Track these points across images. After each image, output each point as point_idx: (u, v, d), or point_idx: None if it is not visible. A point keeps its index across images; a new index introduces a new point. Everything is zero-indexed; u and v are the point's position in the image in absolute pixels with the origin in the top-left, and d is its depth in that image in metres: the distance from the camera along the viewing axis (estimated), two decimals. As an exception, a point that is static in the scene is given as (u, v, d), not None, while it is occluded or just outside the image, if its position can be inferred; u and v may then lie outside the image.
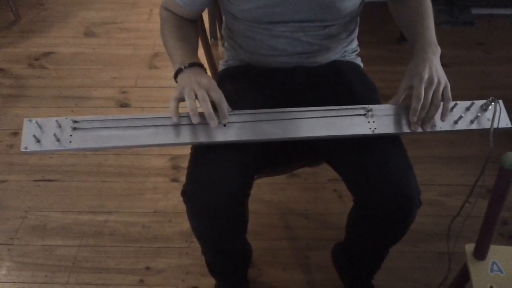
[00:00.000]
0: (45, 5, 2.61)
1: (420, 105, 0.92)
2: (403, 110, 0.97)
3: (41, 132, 0.91)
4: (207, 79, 0.95)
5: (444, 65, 0.97)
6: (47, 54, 2.28)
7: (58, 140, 0.91)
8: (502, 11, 2.34)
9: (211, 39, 2.26)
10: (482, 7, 2.32)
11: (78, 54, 2.29)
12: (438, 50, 0.99)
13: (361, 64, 1.24)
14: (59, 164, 1.78)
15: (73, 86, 2.11)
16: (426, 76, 0.93)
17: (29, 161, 1.79)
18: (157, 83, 2.13)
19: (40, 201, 1.67)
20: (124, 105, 2.02)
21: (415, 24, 1.04)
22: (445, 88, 0.94)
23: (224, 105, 0.93)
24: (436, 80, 0.93)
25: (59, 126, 0.92)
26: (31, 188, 1.71)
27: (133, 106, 2.02)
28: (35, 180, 1.74)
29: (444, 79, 0.95)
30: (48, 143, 0.91)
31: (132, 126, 0.94)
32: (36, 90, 2.09)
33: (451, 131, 0.97)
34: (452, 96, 0.94)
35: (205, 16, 1.81)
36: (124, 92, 2.08)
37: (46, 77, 2.16)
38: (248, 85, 1.14)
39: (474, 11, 2.32)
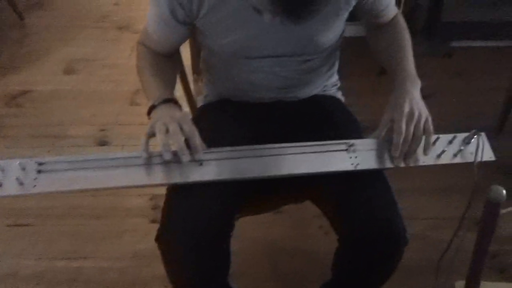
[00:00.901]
0: (24, 43, 2.58)
1: (402, 139, 0.90)
2: (385, 145, 0.95)
3: (3, 175, 0.86)
4: (181, 113, 0.92)
5: (424, 96, 0.97)
6: (24, 92, 2.23)
7: (21, 184, 0.85)
8: (480, 43, 2.37)
9: (194, 74, 2.24)
10: (461, 40, 2.35)
11: (57, 91, 2.24)
12: (418, 83, 0.98)
13: (342, 98, 1.23)
14: (32, 207, 1.71)
15: (50, 124, 2.05)
16: (406, 109, 0.92)
17: (0, 205, 1.71)
18: (138, 120, 2.08)
19: (12, 247, 1.59)
20: (103, 143, 1.97)
21: (395, 56, 1.04)
22: (426, 121, 0.93)
23: (196, 139, 0.89)
24: (417, 114, 0.92)
25: (23, 168, 0.87)
26: (3, 234, 1.63)
27: (113, 144, 1.96)
28: (7, 225, 1.66)
29: (425, 112, 0.94)
30: (10, 188, 0.85)
31: (102, 167, 0.89)
32: (12, 130, 2.03)
33: (434, 165, 0.95)
34: (434, 127, 0.93)
35: (187, 51, 1.79)
36: (103, 130, 2.03)
37: (22, 116, 2.10)
38: (227, 121, 1.11)
39: (453, 43, 2.35)
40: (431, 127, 0.93)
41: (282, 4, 0.76)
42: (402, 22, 1.10)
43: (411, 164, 0.94)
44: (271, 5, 0.77)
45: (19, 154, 1.90)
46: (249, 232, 1.62)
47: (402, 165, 0.93)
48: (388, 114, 0.95)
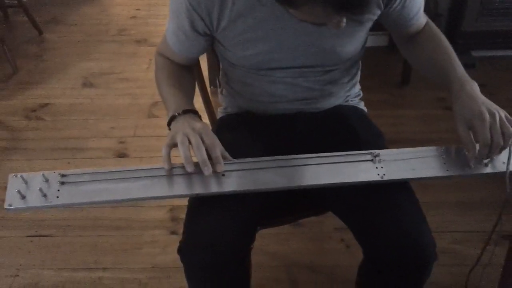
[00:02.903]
0: (43, 57, 2.62)
1: (489, 149, 0.86)
2: (412, 155, 0.92)
3: (27, 187, 0.86)
4: (201, 123, 0.91)
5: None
6: (44, 105, 2.26)
7: (44, 195, 0.85)
8: (503, 52, 2.34)
9: (210, 87, 2.24)
10: (483, 50, 2.32)
11: (76, 105, 2.27)
12: (476, 84, 0.93)
13: (365, 109, 1.20)
14: (53, 218, 1.71)
15: (70, 137, 2.07)
16: (486, 116, 0.86)
17: (22, 216, 1.72)
18: (156, 132, 2.09)
19: (33, 258, 1.59)
20: (122, 155, 1.98)
21: (442, 63, 0.98)
22: (504, 122, 0.87)
23: (217, 151, 0.88)
24: (497, 116, 0.87)
25: (46, 180, 0.87)
26: (24, 245, 1.64)
27: (131, 156, 1.97)
28: (28, 236, 1.66)
29: (500, 110, 0.89)
30: (34, 199, 0.85)
31: (124, 179, 0.88)
32: (32, 143, 2.05)
33: (464, 175, 0.91)
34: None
35: (204, 63, 1.79)
36: (122, 142, 2.04)
37: (42, 129, 2.13)
38: (248, 133, 1.10)
39: (475, 53, 2.32)
40: (510, 129, 0.87)
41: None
42: (435, 28, 1.05)
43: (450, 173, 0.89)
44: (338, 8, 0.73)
45: (39, 166, 1.92)
46: (267, 245, 1.61)
47: (432, 175, 0.90)
48: (463, 125, 0.89)
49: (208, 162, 0.85)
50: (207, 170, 0.85)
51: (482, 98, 0.90)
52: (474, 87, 0.91)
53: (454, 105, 0.91)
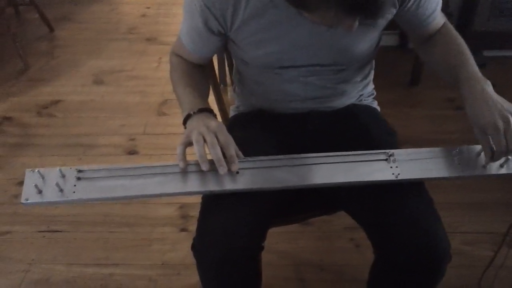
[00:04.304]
0: (54, 54, 2.64)
1: (504, 153, 0.85)
2: (426, 155, 0.92)
3: (43, 182, 0.87)
4: (216, 122, 0.91)
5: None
6: (55, 102, 2.28)
7: (61, 190, 0.86)
8: (513, 53, 2.33)
9: (220, 85, 2.25)
10: (494, 49, 2.31)
11: (86, 102, 2.28)
12: (488, 83, 0.90)
13: (378, 108, 1.20)
14: (65, 214, 1.73)
15: (81, 134, 2.09)
16: (499, 124, 0.84)
17: (34, 211, 1.74)
18: (166, 130, 2.10)
19: (45, 253, 1.61)
20: (132, 152, 1.99)
21: (454, 63, 0.96)
22: None
23: (232, 150, 0.88)
24: (510, 117, 0.85)
25: (63, 176, 0.88)
26: (36, 240, 1.65)
27: (141, 154, 1.98)
28: (39, 231, 1.68)
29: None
30: (50, 194, 0.86)
31: (139, 175, 0.89)
32: (44, 139, 2.07)
33: (480, 175, 0.90)
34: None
35: (214, 61, 1.79)
36: (132, 140, 2.05)
37: (54, 125, 2.14)
38: (260, 131, 1.10)
39: (486, 53, 2.30)
40: None
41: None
42: (453, 29, 1.03)
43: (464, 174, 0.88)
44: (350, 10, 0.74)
45: (50, 162, 1.93)
46: (276, 243, 1.61)
47: (447, 175, 0.89)
48: (479, 129, 0.87)
49: (223, 161, 0.86)
50: (222, 169, 0.86)
51: (494, 98, 0.87)
52: (485, 86, 0.88)
53: (466, 107, 0.89)
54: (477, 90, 0.88)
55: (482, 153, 0.90)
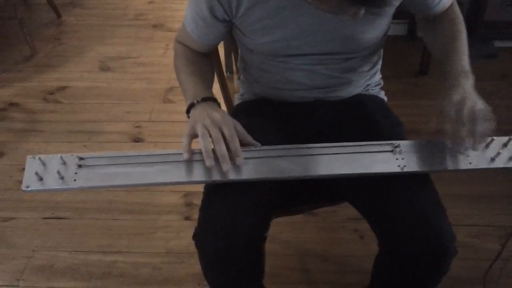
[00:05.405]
0: (61, 40, 2.63)
1: (453, 126, 0.84)
2: (434, 147, 0.90)
3: (44, 169, 0.86)
4: (221, 113, 0.90)
5: None
6: (62, 88, 2.27)
7: (62, 178, 0.85)
8: (525, 43, 2.28)
9: (226, 73, 2.23)
10: (504, 40, 2.27)
11: (92, 88, 2.27)
12: (470, 77, 0.91)
13: (385, 98, 1.18)
14: (69, 201, 1.73)
15: (86, 120, 2.08)
16: (456, 98, 0.86)
17: (38, 198, 1.74)
18: (172, 118, 2.09)
19: (48, 240, 1.61)
20: (137, 139, 1.98)
21: (446, 49, 0.98)
22: (480, 111, 0.84)
23: (236, 143, 0.87)
24: (469, 103, 0.85)
25: (64, 163, 0.87)
26: (40, 226, 1.65)
27: (146, 141, 1.98)
28: (44, 218, 1.68)
29: (480, 104, 0.86)
30: (51, 181, 0.85)
31: (142, 163, 0.88)
32: (49, 125, 2.06)
33: (488, 168, 0.89)
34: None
35: (221, 49, 1.77)
36: (137, 127, 2.04)
37: (59, 111, 2.14)
38: (264, 119, 1.09)
39: (497, 43, 2.27)
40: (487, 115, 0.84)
41: None
42: (457, 13, 1.03)
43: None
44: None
45: (55, 148, 1.93)
46: (280, 233, 1.60)
47: (454, 167, 0.87)
48: (438, 108, 0.88)
49: (227, 157, 0.85)
50: (226, 166, 0.85)
51: (465, 89, 0.88)
52: (466, 80, 0.90)
53: (441, 99, 0.89)
54: (457, 82, 0.90)
55: (491, 145, 0.88)
